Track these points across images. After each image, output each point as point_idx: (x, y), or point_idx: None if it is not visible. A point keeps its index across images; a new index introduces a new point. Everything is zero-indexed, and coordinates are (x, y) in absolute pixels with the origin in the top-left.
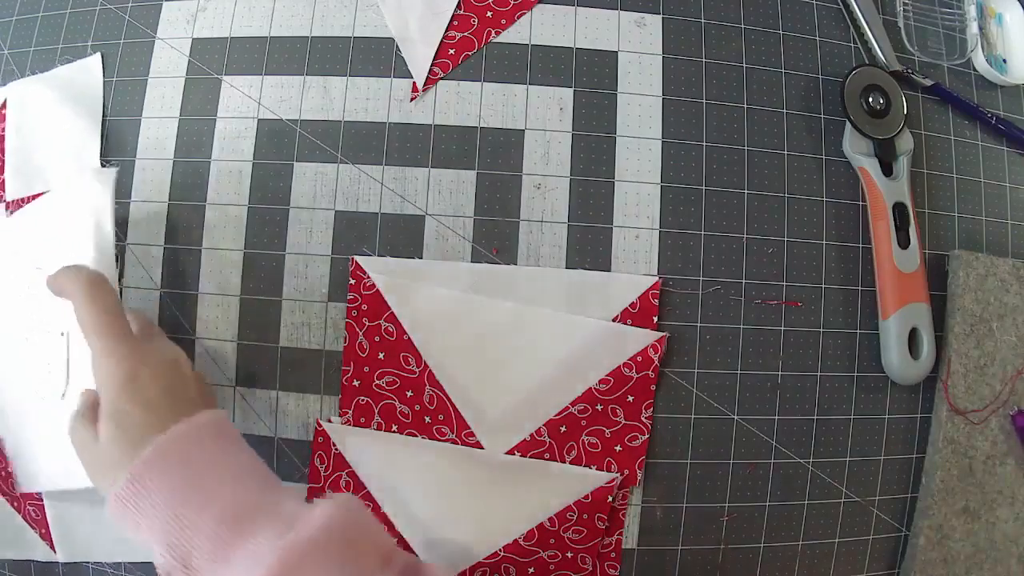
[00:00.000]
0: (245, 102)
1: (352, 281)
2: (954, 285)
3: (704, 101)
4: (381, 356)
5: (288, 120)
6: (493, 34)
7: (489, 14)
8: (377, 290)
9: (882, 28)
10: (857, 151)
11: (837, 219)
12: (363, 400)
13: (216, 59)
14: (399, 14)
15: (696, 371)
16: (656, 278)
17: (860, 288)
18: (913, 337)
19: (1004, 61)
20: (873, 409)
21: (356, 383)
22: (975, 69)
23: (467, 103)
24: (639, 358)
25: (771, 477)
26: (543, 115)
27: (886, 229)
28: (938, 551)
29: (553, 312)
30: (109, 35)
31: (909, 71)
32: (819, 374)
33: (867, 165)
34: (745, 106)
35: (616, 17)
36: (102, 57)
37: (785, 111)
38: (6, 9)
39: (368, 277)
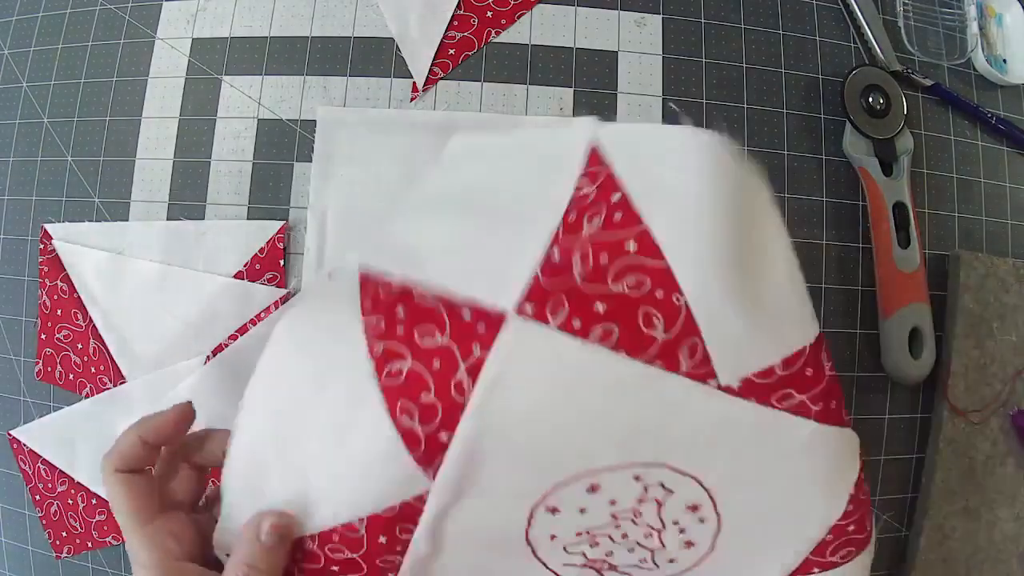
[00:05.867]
0: (245, 102)
1: (41, 245)
2: (954, 285)
3: (704, 101)
4: (59, 312)
5: (288, 120)
6: (493, 34)
7: (489, 14)
8: (56, 253)
9: (882, 28)
10: (857, 151)
11: (837, 219)
12: (49, 352)
13: (216, 59)
14: (399, 14)
15: None
16: (282, 222)
17: (860, 288)
18: (913, 337)
19: (1004, 61)
20: (873, 409)
21: (43, 336)
22: (975, 69)
23: (467, 103)
24: (262, 315)
25: None
26: (543, 115)
27: (886, 229)
28: (938, 551)
29: (190, 271)
30: (109, 35)
31: (909, 71)
32: None
33: (867, 165)
34: (745, 106)
35: (616, 17)
36: (101, 57)
37: (785, 111)
38: (6, 9)
39: (51, 242)
